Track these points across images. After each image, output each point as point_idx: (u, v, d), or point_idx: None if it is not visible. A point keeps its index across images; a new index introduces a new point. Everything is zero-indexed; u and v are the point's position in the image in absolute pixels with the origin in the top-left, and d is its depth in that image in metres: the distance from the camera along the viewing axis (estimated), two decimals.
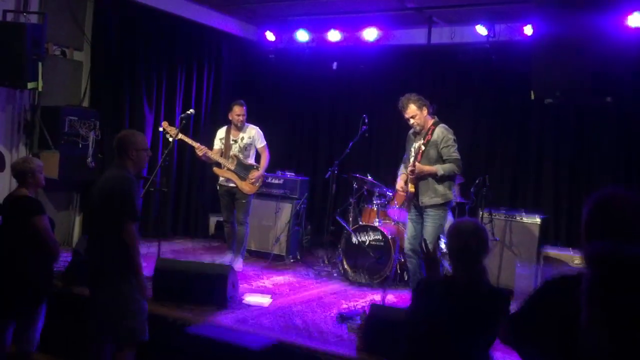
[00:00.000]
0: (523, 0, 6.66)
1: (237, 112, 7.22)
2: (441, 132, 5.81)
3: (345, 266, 7.16)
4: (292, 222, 8.07)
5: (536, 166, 8.07)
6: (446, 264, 6.07)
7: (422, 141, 5.81)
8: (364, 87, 9.28)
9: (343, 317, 5.39)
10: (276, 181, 8.26)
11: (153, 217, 8.35)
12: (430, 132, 5.81)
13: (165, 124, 6.92)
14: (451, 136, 5.82)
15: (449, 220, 6.37)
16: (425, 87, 8.41)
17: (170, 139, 6.68)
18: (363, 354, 4.57)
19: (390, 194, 7.29)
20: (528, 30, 7.32)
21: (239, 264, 7.17)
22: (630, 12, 6.04)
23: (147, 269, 6.03)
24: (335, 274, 7.33)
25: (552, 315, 2.17)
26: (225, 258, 7.31)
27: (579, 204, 7.12)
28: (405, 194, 5.94)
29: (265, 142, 7.39)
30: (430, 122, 5.92)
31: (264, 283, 6.73)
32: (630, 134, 7.40)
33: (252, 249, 8.13)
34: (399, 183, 6.15)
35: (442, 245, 6.37)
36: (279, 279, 7.02)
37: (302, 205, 8.15)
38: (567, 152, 7.86)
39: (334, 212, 7.74)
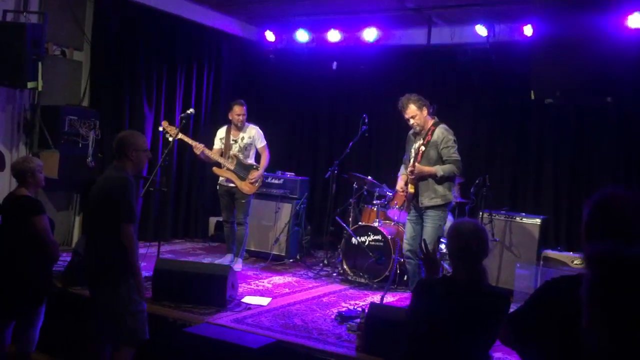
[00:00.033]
0: (523, 0, 6.66)
1: (237, 111, 7.21)
2: (441, 132, 5.81)
3: (345, 267, 7.15)
4: (292, 223, 8.06)
5: (536, 166, 8.07)
6: (446, 265, 6.08)
7: (422, 142, 5.80)
8: (363, 87, 9.28)
9: (342, 317, 5.39)
10: (276, 181, 8.25)
11: (153, 217, 8.34)
12: (430, 133, 5.81)
13: (165, 123, 6.92)
14: (451, 137, 5.82)
15: (449, 220, 6.38)
16: (425, 87, 8.40)
17: (170, 139, 6.68)
18: (362, 354, 4.57)
19: (390, 194, 7.29)
20: (528, 30, 7.31)
21: (238, 265, 7.17)
22: (630, 12, 6.04)
23: (147, 269, 6.05)
24: (334, 275, 7.33)
25: (552, 315, 2.17)
26: (225, 258, 7.31)
27: (579, 204, 7.12)
28: (405, 195, 5.94)
29: (265, 142, 7.39)
30: (430, 122, 5.92)
31: (263, 283, 6.73)
32: (630, 134, 7.40)
33: (252, 250, 8.12)
34: (399, 184, 6.15)
35: (442, 246, 6.38)
36: (279, 279, 7.01)
37: (302, 206, 8.14)
38: (567, 153, 7.85)
39: (333, 213, 7.73)
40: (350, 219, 7.55)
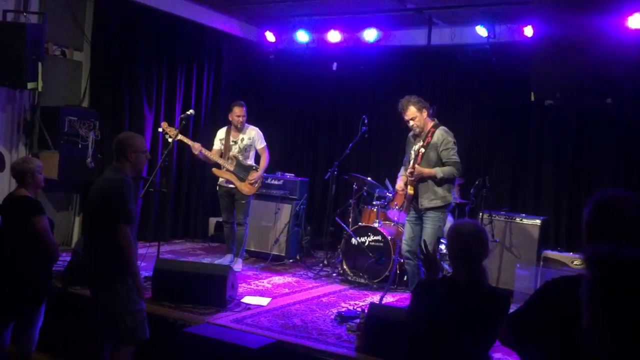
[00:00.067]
0: (523, 1, 6.66)
1: (237, 113, 7.21)
2: (441, 134, 5.81)
3: (345, 267, 7.15)
4: (292, 223, 8.06)
5: (536, 167, 8.07)
6: (446, 266, 6.08)
7: (422, 143, 5.80)
8: (364, 87, 9.29)
9: (342, 318, 5.39)
10: (276, 182, 8.25)
11: (152, 217, 8.34)
12: (430, 135, 5.81)
13: (164, 124, 6.92)
14: (451, 139, 5.82)
15: (449, 221, 6.38)
16: (425, 88, 8.44)
17: (170, 140, 6.68)
18: (362, 355, 4.57)
19: (390, 195, 7.29)
20: (528, 31, 7.32)
21: (238, 265, 7.17)
22: (631, 13, 6.03)
23: (147, 269, 6.06)
24: (334, 275, 7.33)
25: (552, 316, 2.16)
26: (225, 259, 7.31)
27: (579, 204, 7.14)
28: (404, 195, 5.94)
29: (265, 143, 7.39)
30: (430, 124, 5.92)
31: (263, 283, 6.73)
32: (630, 135, 7.40)
33: (252, 250, 8.12)
34: (399, 184, 6.15)
35: (442, 247, 6.38)
36: (278, 279, 7.01)
37: (302, 206, 8.14)
38: (567, 153, 7.86)
39: (333, 213, 7.73)
40: (350, 220, 7.55)
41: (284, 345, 4.71)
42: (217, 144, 7.33)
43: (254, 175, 7.20)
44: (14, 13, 6.75)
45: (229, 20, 9.23)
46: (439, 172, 5.71)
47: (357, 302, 6.20)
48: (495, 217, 7.01)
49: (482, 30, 7.73)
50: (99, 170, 7.05)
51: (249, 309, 5.58)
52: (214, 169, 7.34)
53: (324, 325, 5.28)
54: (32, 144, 7.09)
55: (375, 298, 6.34)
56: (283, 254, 8.02)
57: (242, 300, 5.80)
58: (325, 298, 6.31)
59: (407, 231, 5.98)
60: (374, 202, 7.47)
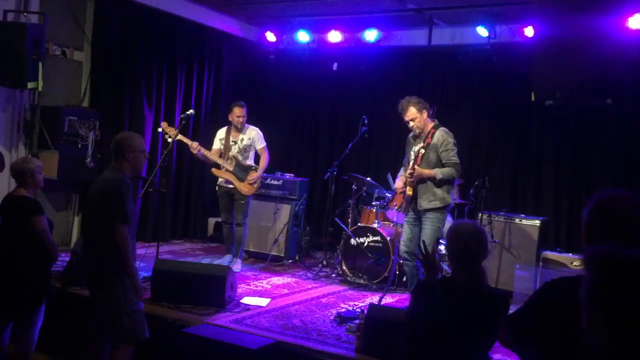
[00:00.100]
0: (523, 1, 6.66)
1: (237, 113, 7.21)
2: (441, 135, 5.80)
3: (344, 268, 7.15)
4: (291, 223, 8.06)
5: (536, 167, 8.06)
6: (445, 266, 6.07)
7: (422, 144, 5.80)
8: (364, 88, 9.28)
9: (342, 318, 5.38)
10: (275, 182, 8.25)
11: (152, 217, 8.33)
12: (430, 136, 5.81)
13: (164, 124, 6.92)
14: (451, 140, 5.81)
15: (448, 222, 6.37)
16: (425, 88, 8.43)
17: (170, 140, 6.67)
18: (361, 355, 4.56)
19: (390, 194, 7.28)
20: (529, 31, 7.32)
21: (237, 265, 7.17)
22: (631, 14, 6.03)
23: (146, 269, 6.06)
24: (333, 276, 7.32)
25: (552, 317, 2.16)
26: (224, 259, 7.31)
27: (579, 205, 7.12)
28: (403, 195, 5.93)
29: (265, 144, 7.38)
30: (430, 125, 5.91)
31: (262, 284, 6.72)
32: (630, 136, 7.39)
33: (251, 250, 8.12)
34: (398, 183, 6.14)
35: (442, 247, 6.37)
36: (278, 280, 7.01)
37: (301, 207, 8.14)
38: (567, 154, 7.85)
39: (333, 214, 7.73)
40: (349, 220, 7.55)
41: (283, 346, 4.70)
42: (217, 144, 7.33)
43: (254, 176, 7.20)
44: (14, 13, 6.75)
45: (229, 20, 9.23)
46: (438, 173, 5.70)
47: (356, 302, 6.20)
48: (494, 217, 7.01)
49: (482, 31, 7.73)
50: (99, 170, 7.04)
51: (248, 309, 5.57)
52: (213, 169, 7.34)
53: (323, 326, 5.28)
54: (31, 143, 7.09)
55: (374, 299, 6.33)
56: (282, 255, 8.01)
57: (242, 300, 5.79)
58: (325, 299, 6.31)
59: (406, 232, 5.98)
60: (373, 203, 7.46)
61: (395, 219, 7.31)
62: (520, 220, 6.96)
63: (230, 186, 7.22)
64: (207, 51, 9.20)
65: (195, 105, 8.86)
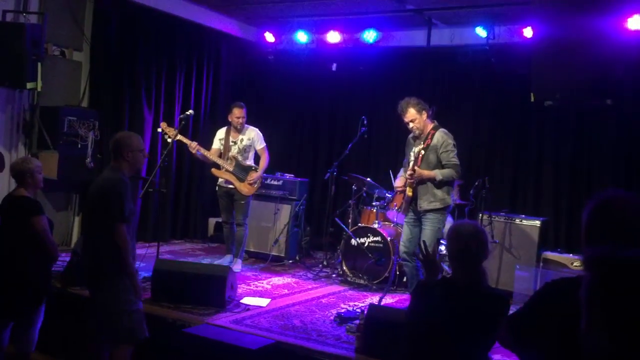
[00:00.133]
0: (522, 2, 6.66)
1: (237, 114, 7.21)
2: (441, 136, 5.80)
3: (344, 268, 7.15)
4: (291, 224, 8.06)
5: (536, 168, 8.07)
6: (445, 267, 6.07)
7: (421, 146, 5.80)
8: (363, 88, 9.29)
9: (342, 319, 5.39)
10: (275, 182, 8.25)
11: (152, 218, 8.33)
12: (430, 137, 5.80)
13: (164, 124, 6.91)
14: (451, 141, 5.81)
15: (449, 222, 6.37)
16: (424, 89, 8.44)
17: (169, 140, 6.68)
18: (361, 356, 4.56)
19: (390, 195, 7.29)
20: (528, 32, 7.32)
21: (237, 265, 7.17)
22: (630, 14, 6.04)
23: (146, 269, 6.06)
24: (334, 276, 7.32)
25: (552, 317, 2.16)
26: (224, 259, 7.31)
27: (579, 205, 7.13)
28: (403, 195, 5.94)
29: (264, 144, 7.38)
30: (430, 126, 5.91)
31: (262, 284, 6.72)
32: (630, 136, 7.40)
33: (251, 250, 8.12)
34: (398, 182, 6.14)
35: (442, 248, 6.37)
36: (278, 280, 7.01)
37: (301, 207, 8.14)
38: (567, 154, 7.86)
39: (333, 214, 7.73)
40: (349, 220, 7.55)
41: (283, 346, 4.70)
42: (217, 144, 7.33)
43: (254, 176, 7.20)
44: (13, 13, 6.75)
45: (228, 21, 9.23)
46: (438, 174, 5.70)
47: (356, 303, 6.20)
48: (494, 218, 7.01)
49: (481, 31, 7.73)
50: (98, 170, 7.04)
51: (248, 309, 5.58)
52: (213, 170, 7.34)
53: (323, 326, 5.28)
54: (31, 144, 7.09)
55: (374, 299, 6.34)
56: (282, 255, 8.01)
57: (242, 301, 5.80)
58: (325, 299, 6.31)
59: (405, 233, 5.98)
60: (374, 203, 7.46)
61: (395, 220, 7.31)
62: (521, 221, 6.97)
63: (231, 186, 7.22)
64: (206, 51, 9.21)
65: (195, 106, 8.86)
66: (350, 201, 7.70)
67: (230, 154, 7.22)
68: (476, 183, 7.04)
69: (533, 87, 5.82)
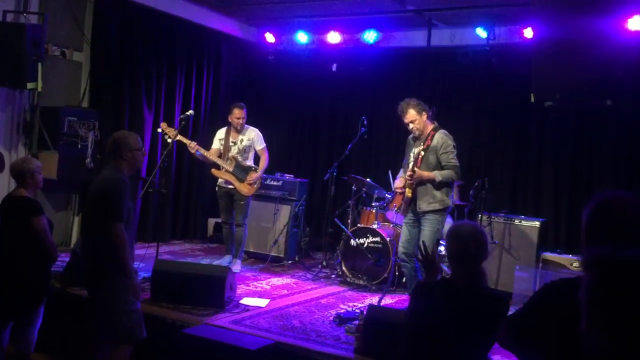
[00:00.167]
0: (523, 2, 6.65)
1: (237, 114, 7.21)
2: (441, 138, 5.80)
3: (344, 268, 7.15)
4: (291, 224, 8.05)
5: (536, 169, 8.07)
6: (445, 267, 6.07)
7: (421, 147, 5.80)
8: (363, 89, 9.29)
9: (341, 319, 5.38)
10: (275, 183, 8.25)
11: (151, 218, 8.33)
12: (430, 138, 5.80)
13: (164, 125, 6.92)
14: (451, 142, 5.80)
15: (448, 223, 6.37)
16: (425, 90, 8.44)
17: (170, 140, 6.68)
18: (361, 356, 4.56)
19: (389, 196, 7.29)
20: (528, 33, 7.32)
21: (237, 266, 7.17)
22: (631, 15, 6.05)
23: (146, 270, 6.05)
24: (333, 276, 7.32)
25: (551, 318, 2.16)
26: (224, 259, 7.31)
27: (579, 206, 7.12)
28: (402, 196, 5.94)
29: (264, 144, 7.38)
30: (430, 127, 5.91)
31: (261, 285, 6.72)
32: (630, 136, 7.40)
33: (251, 251, 8.12)
34: (397, 183, 6.14)
35: (441, 248, 6.37)
36: (277, 280, 7.01)
37: (301, 207, 8.14)
38: (567, 155, 7.86)
39: (332, 214, 7.73)
40: (349, 221, 7.54)
41: (282, 347, 4.70)
42: (216, 144, 7.33)
43: (253, 176, 7.20)
44: (13, 13, 6.75)
45: (228, 21, 9.23)
46: (438, 175, 5.70)
47: (355, 303, 6.20)
48: (494, 218, 7.00)
49: (482, 32, 7.73)
50: (98, 170, 7.03)
51: (247, 310, 5.58)
52: (213, 170, 7.34)
53: (322, 326, 5.28)
54: (31, 144, 7.09)
55: (374, 299, 6.34)
56: (282, 255, 8.01)
57: (241, 301, 5.79)
58: (324, 299, 6.31)
59: (404, 233, 5.97)
60: (373, 204, 7.46)
61: (394, 220, 7.31)
62: (520, 222, 6.96)
63: (230, 187, 7.22)
64: (206, 52, 9.21)
65: (195, 106, 8.86)
66: (349, 202, 7.70)
67: (230, 154, 7.21)
68: (476, 184, 7.03)
69: (533, 88, 5.82)
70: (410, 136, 6.08)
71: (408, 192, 5.79)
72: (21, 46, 6.29)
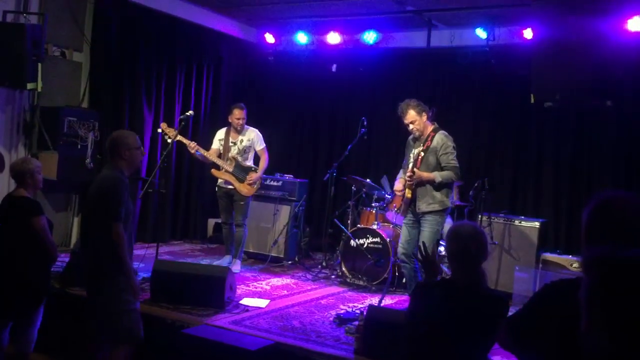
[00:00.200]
0: (523, 3, 6.66)
1: (237, 115, 7.21)
2: (441, 139, 5.80)
3: (344, 269, 7.15)
4: (291, 225, 8.06)
5: (536, 169, 8.06)
6: (445, 268, 6.07)
7: (421, 147, 5.80)
8: (363, 89, 9.29)
9: (341, 320, 5.38)
10: (275, 183, 8.25)
11: (151, 218, 8.33)
12: (429, 139, 5.80)
13: (164, 125, 6.92)
14: (450, 143, 5.80)
15: (448, 223, 6.37)
16: (424, 90, 8.44)
17: (169, 141, 6.68)
18: (361, 357, 4.56)
19: (389, 196, 7.29)
20: (528, 33, 7.32)
21: (236, 266, 7.17)
22: (630, 16, 6.05)
23: (145, 270, 6.05)
24: (333, 277, 7.32)
25: (551, 319, 2.16)
26: (223, 260, 7.31)
27: (579, 206, 7.12)
28: (402, 197, 5.94)
29: (264, 145, 7.39)
30: (430, 128, 5.90)
31: (261, 285, 6.72)
32: (630, 136, 7.40)
33: (250, 251, 8.12)
34: (397, 186, 6.15)
35: (441, 249, 6.37)
36: (277, 281, 7.01)
37: (301, 208, 8.14)
38: (567, 155, 7.85)
39: (332, 215, 7.73)
40: (349, 222, 7.55)
41: (282, 347, 4.70)
42: (216, 144, 7.33)
43: (253, 176, 7.20)
44: (13, 14, 6.75)
45: (228, 22, 9.23)
46: (437, 176, 5.69)
47: (355, 304, 6.20)
48: (494, 219, 7.00)
49: (481, 33, 7.74)
50: (98, 171, 7.02)
51: (247, 310, 5.57)
52: (213, 170, 7.34)
53: (322, 327, 5.28)
54: (31, 144, 7.09)
55: (374, 300, 6.33)
56: (282, 256, 8.01)
57: (241, 301, 5.79)
58: (324, 300, 6.31)
59: (404, 234, 5.97)
60: (373, 204, 7.46)
61: (394, 220, 7.31)
62: (520, 222, 6.96)
63: (230, 187, 7.22)
64: (206, 52, 9.21)
65: (195, 106, 8.87)
66: (349, 202, 7.70)
67: (229, 154, 7.22)
68: (476, 184, 7.03)
69: (533, 88, 5.83)
70: (410, 137, 6.08)
71: (408, 193, 5.79)
72: (21, 46, 6.29)
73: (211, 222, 9.28)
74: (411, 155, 5.98)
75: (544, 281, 2.36)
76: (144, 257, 6.36)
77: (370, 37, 8.57)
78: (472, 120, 8.52)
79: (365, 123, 7.38)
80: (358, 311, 5.60)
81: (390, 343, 4.30)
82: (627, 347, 1.70)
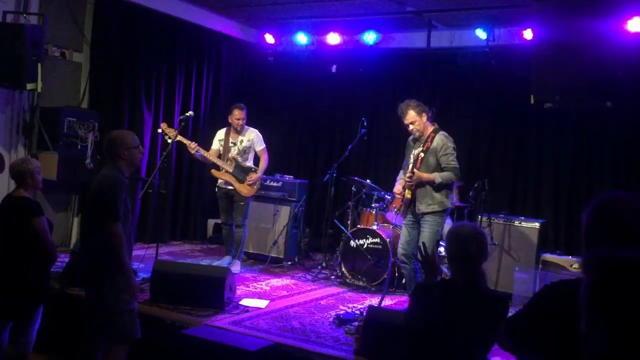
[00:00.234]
0: (522, 4, 6.66)
1: (237, 115, 7.21)
2: (441, 140, 5.79)
3: (343, 269, 7.15)
4: (290, 225, 8.05)
5: (536, 170, 8.06)
6: (444, 268, 6.07)
7: (421, 148, 5.79)
8: (363, 90, 9.28)
9: (340, 320, 5.38)
10: (275, 184, 8.25)
11: (151, 219, 8.33)
12: (430, 140, 5.80)
13: (164, 125, 6.91)
14: (450, 144, 5.80)
15: (448, 224, 6.37)
16: (424, 91, 8.44)
17: (169, 141, 6.67)
18: (360, 357, 4.56)
19: (389, 197, 7.29)
20: (527, 34, 7.32)
21: (236, 267, 7.16)
22: (630, 16, 6.05)
23: (145, 270, 6.05)
24: (333, 278, 7.32)
25: (551, 320, 2.16)
26: (223, 260, 7.31)
27: (579, 207, 7.13)
28: (402, 198, 5.94)
29: (264, 145, 7.38)
30: (430, 128, 5.90)
31: (261, 286, 6.72)
32: (630, 138, 7.40)
33: (250, 252, 8.11)
34: (397, 187, 6.14)
35: (441, 249, 6.37)
36: (277, 281, 7.01)
37: (301, 208, 8.13)
38: (566, 156, 7.85)
39: (332, 215, 7.72)
40: (348, 222, 7.54)
41: (282, 348, 4.70)
42: (216, 144, 7.33)
43: (253, 177, 7.20)
44: (13, 14, 6.75)
45: (228, 22, 9.23)
46: (437, 177, 5.69)
47: (355, 304, 6.20)
48: (494, 220, 7.01)
49: (481, 33, 7.74)
50: (98, 171, 7.01)
51: (247, 311, 5.57)
52: (212, 171, 7.34)
53: (322, 328, 5.27)
54: (31, 144, 7.08)
55: (373, 301, 6.33)
56: (281, 256, 8.01)
57: (240, 302, 5.79)
58: (324, 301, 6.30)
59: (404, 235, 5.97)
60: (373, 205, 7.46)
61: (394, 221, 7.31)
62: (520, 223, 6.96)
63: (230, 187, 7.22)
64: (206, 53, 9.21)
65: (195, 107, 8.87)
66: (349, 203, 7.70)
67: (229, 155, 7.21)
68: (476, 185, 7.03)
69: (533, 89, 5.83)
70: (410, 137, 6.07)
71: (407, 194, 5.79)
72: (21, 47, 6.29)
73: (211, 222, 9.28)
74: (411, 155, 5.98)
75: (544, 282, 2.36)
76: (143, 258, 6.36)
77: (370, 37, 8.58)
78: (472, 120, 8.52)
79: (365, 123, 7.38)
80: (358, 312, 5.60)
81: (390, 344, 4.30)
82: (627, 347, 1.70)
